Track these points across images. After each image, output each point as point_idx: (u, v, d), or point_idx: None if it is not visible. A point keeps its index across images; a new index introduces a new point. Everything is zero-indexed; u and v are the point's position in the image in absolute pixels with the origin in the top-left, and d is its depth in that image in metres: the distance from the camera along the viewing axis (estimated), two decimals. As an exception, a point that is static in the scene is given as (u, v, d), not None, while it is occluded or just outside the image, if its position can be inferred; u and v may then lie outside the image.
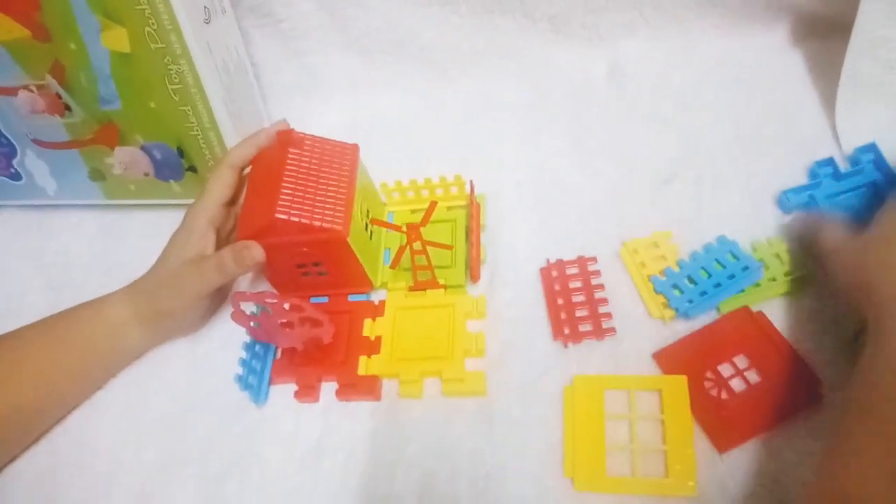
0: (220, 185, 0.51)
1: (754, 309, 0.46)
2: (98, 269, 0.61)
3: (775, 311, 0.46)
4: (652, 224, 0.52)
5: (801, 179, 0.52)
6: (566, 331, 0.48)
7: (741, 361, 0.44)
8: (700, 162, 0.55)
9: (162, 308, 0.50)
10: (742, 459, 0.41)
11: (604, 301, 0.48)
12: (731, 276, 0.46)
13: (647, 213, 0.53)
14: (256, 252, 0.47)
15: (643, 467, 0.41)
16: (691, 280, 0.48)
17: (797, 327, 0.45)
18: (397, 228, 0.47)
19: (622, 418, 0.43)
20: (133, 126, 0.57)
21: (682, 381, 0.43)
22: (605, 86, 0.63)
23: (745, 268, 0.46)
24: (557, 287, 0.50)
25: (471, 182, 0.53)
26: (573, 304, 0.49)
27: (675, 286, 0.48)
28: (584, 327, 0.47)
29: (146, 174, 0.60)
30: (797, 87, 0.59)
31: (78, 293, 0.59)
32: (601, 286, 0.49)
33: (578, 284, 0.50)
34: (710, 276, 0.47)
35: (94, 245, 0.64)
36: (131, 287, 0.52)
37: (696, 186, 0.54)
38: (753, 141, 0.56)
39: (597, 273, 0.50)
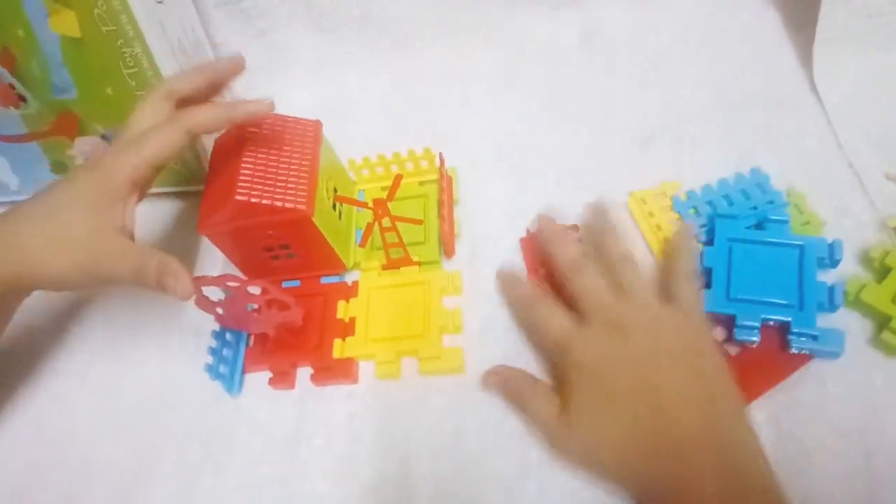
0: (166, 144, 0.41)
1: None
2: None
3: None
4: (631, 186, 0.51)
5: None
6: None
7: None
8: (678, 122, 0.54)
9: (30, 272, 0.40)
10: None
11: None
12: (754, 208, 0.45)
13: (625, 175, 0.52)
14: (183, 287, 0.39)
15: None
16: (712, 206, 0.47)
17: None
18: (363, 205, 0.46)
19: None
20: (91, 114, 0.55)
21: None
22: (579, 50, 0.61)
23: (771, 202, 0.46)
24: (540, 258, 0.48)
25: (440, 155, 0.52)
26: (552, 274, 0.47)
27: (694, 207, 0.47)
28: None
29: (109, 164, 0.58)
30: (775, 42, 0.57)
31: (46, 289, 0.58)
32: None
33: None
34: (731, 204, 0.46)
35: (63, 240, 0.62)
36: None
37: (675, 147, 0.53)
38: (731, 99, 0.54)
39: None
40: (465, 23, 0.62)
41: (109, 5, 0.47)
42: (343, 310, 0.49)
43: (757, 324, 0.41)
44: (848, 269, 0.44)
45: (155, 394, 0.50)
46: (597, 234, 0.45)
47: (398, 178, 0.45)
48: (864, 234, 0.45)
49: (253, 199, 0.43)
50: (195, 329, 0.52)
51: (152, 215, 0.60)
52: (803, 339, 0.40)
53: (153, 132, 0.41)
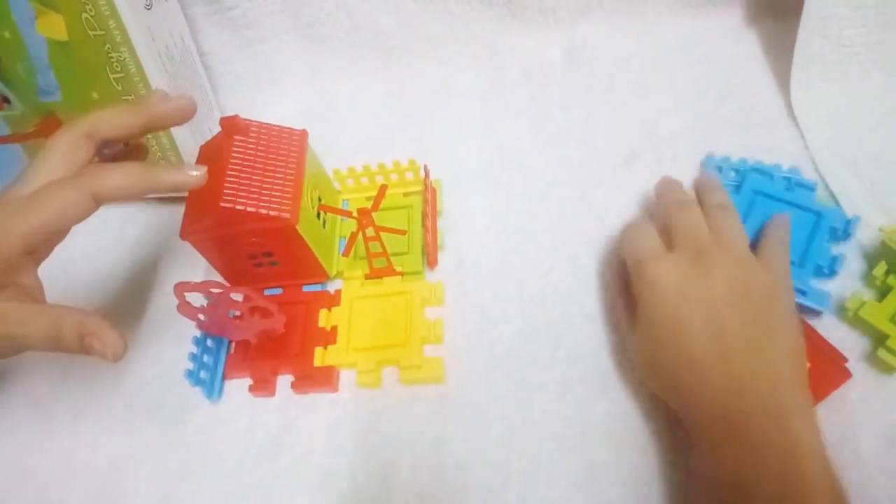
0: (60, 205, 0.34)
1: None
2: (46, 267, 0.58)
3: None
4: (612, 203, 0.52)
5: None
6: None
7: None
8: (659, 142, 0.55)
9: None
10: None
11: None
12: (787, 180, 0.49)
13: (608, 193, 0.53)
14: (114, 348, 0.34)
15: None
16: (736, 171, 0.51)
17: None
18: (347, 214, 0.46)
19: None
20: (76, 118, 0.54)
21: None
22: (563, 69, 0.62)
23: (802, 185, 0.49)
24: None
25: (424, 167, 0.52)
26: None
27: (719, 168, 0.51)
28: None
29: (93, 168, 0.58)
30: (754, 67, 0.59)
31: (24, 293, 0.57)
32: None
33: None
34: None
35: (43, 243, 0.61)
36: None
37: (657, 166, 0.54)
38: (711, 121, 0.56)
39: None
40: (453, 38, 0.63)
41: (98, 10, 0.47)
42: (325, 318, 0.49)
43: None
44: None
45: (133, 398, 0.49)
46: (704, 186, 0.47)
47: (383, 189, 0.45)
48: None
49: (238, 207, 0.43)
50: (176, 334, 0.51)
51: (135, 220, 0.60)
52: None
53: (53, 192, 0.34)
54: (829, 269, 0.44)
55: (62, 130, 0.38)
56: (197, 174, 0.38)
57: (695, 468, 0.38)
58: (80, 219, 0.35)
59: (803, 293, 0.43)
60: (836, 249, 0.46)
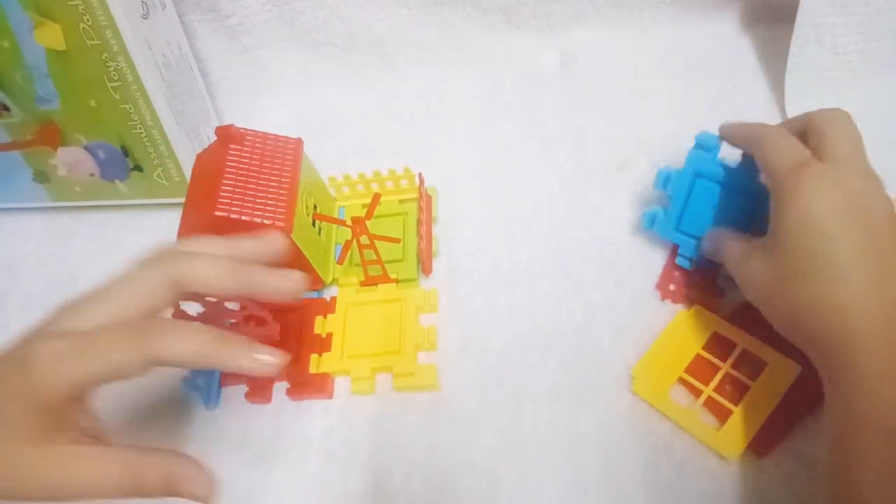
0: (119, 362, 0.30)
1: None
2: (46, 274, 0.60)
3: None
4: (606, 210, 0.52)
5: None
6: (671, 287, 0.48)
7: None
8: (653, 148, 0.55)
9: None
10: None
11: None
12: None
13: (600, 200, 0.53)
14: (205, 490, 0.31)
15: (702, 411, 0.41)
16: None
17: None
18: (341, 223, 0.47)
19: (713, 361, 0.43)
20: (74, 125, 0.55)
21: (793, 367, 0.40)
22: (557, 76, 0.62)
23: None
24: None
25: (419, 174, 0.52)
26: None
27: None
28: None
29: (91, 175, 0.58)
30: (748, 74, 0.59)
31: (25, 299, 0.58)
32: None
33: None
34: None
35: (41, 249, 0.62)
36: None
37: (651, 172, 0.54)
38: (704, 128, 0.55)
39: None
40: (448, 45, 0.64)
41: (95, 19, 0.48)
42: (320, 325, 0.49)
43: (693, 257, 0.46)
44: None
45: (129, 407, 0.50)
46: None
47: (376, 197, 0.45)
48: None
49: (233, 215, 0.43)
50: (172, 342, 0.52)
51: (132, 226, 0.61)
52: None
53: (110, 344, 0.30)
54: None
55: (146, 263, 0.34)
56: (270, 363, 0.33)
57: (854, 409, 0.32)
58: (133, 377, 0.31)
59: None
60: None
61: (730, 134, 0.44)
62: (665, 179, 0.47)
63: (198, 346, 0.32)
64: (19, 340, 0.32)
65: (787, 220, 0.35)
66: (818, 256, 0.34)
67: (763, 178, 0.41)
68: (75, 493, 0.29)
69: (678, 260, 0.47)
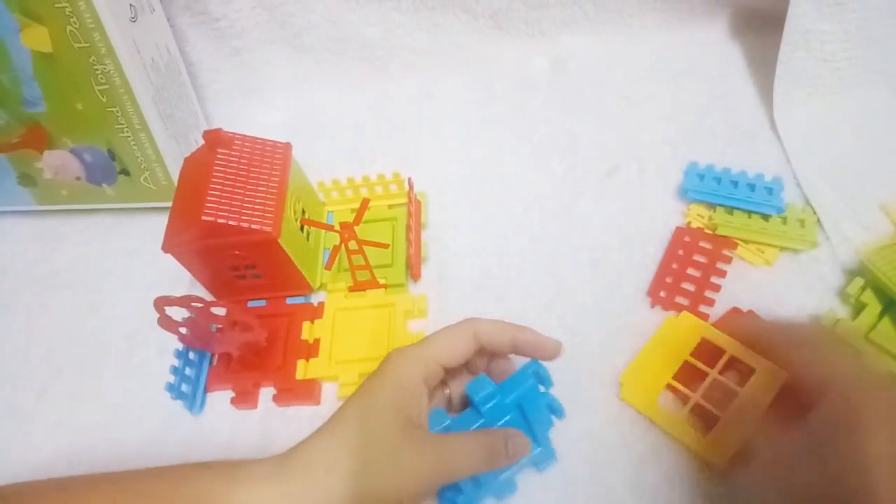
0: (454, 342, 0.39)
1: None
2: (33, 278, 0.59)
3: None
4: (596, 215, 0.52)
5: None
6: (662, 293, 0.47)
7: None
8: (643, 153, 0.56)
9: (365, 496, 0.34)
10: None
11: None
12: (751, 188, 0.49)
13: (590, 205, 0.53)
14: (525, 449, 0.39)
15: (690, 418, 0.41)
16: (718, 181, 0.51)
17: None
18: (330, 228, 0.46)
19: (701, 367, 0.42)
20: (61, 129, 0.55)
21: (781, 374, 0.39)
22: (548, 81, 0.63)
23: (769, 189, 0.49)
24: (681, 252, 0.49)
25: (409, 179, 0.52)
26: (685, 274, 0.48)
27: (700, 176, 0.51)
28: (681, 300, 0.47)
29: (78, 178, 0.58)
30: (736, 80, 0.59)
31: (11, 301, 0.57)
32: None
33: (702, 259, 0.48)
34: (736, 187, 0.50)
35: (29, 253, 0.61)
36: (289, 460, 0.35)
37: (640, 177, 0.54)
38: (694, 134, 0.56)
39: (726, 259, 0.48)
40: (439, 49, 0.64)
41: (82, 22, 0.47)
42: (308, 331, 0.49)
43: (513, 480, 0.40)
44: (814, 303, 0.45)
45: (115, 412, 0.49)
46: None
47: (365, 203, 0.45)
48: (820, 270, 0.47)
49: (220, 220, 0.43)
50: (158, 347, 0.51)
51: (119, 230, 0.60)
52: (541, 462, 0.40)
53: (446, 330, 0.39)
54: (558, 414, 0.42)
55: (460, 326, 0.40)
56: (556, 347, 0.41)
57: None
58: (465, 352, 0.39)
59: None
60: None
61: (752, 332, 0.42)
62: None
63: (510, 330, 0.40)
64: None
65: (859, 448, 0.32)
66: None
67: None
68: (465, 473, 0.37)
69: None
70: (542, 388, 0.42)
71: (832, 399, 0.33)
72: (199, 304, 0.42)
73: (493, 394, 0.40)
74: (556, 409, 0.41)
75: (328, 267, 0.49)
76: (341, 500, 0.33)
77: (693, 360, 0.43)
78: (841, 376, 0.34)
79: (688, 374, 0.42)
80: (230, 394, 0.48)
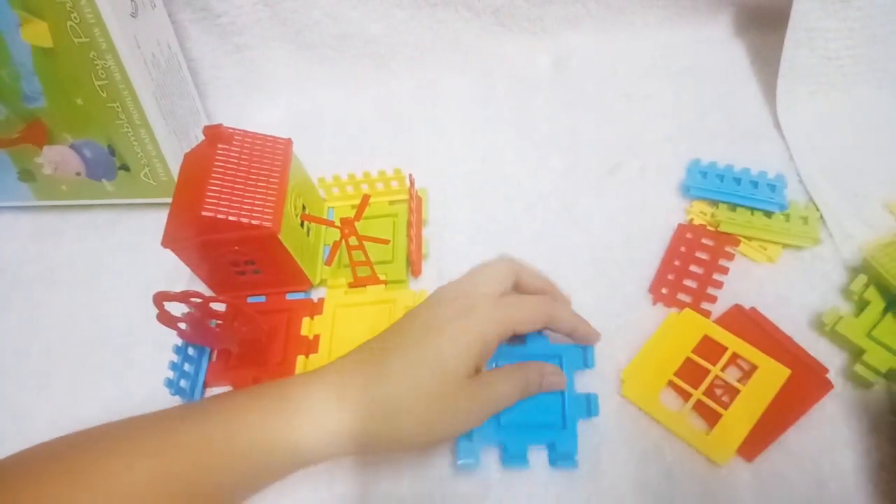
0: (530, 314, 0.40)
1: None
2: (32, 273, 0.59)
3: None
4: (598, 211, 0.52)
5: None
6: (664, 290, 0.47)
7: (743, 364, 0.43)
8: (645, 151, 0.55)
9: (416, 436, 0.37)
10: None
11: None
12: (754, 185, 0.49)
13: (593, 202, 0.53)
14: (560, 382, 0.41)
15: (692, 415, 0.41)
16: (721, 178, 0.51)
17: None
18: (330, 224, 0.46)
19: (703, 364, 0.42)
20: (61, 124, 0.54)
21: (783, 371, 0.40)
22: (550, 78, 0.62)
23: (773, 186, 0.48)
24: (683, 249, 0.49)
25: (410, 176, 0.52)
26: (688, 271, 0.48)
27: (703, 174, 0.51)
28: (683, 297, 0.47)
29: (78, 174, 0.58)
30: (740, 78, 0.59)
31: (10, 296, 0.57)
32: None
33: (704, 256, 0.48)
34: (739, 184, 0.50)
35: (28, 248, 0.61)
36: (354, 391, 0.37)
37: (642, 175, 0.54)
38: (696, 132, 0.56)
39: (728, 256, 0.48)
40: (441, 46, 0.63)
41: (83, 17, 0.47)
42: (307, 327, 0.49)
43: (525, 450, 0.41)
44: (817, 300, 0.45)
45: (114, 407, 0.49)
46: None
47: (365, 199, 0.45)
48: (823, 267, 0.46)
49: (219, 216, 0.43)
50: (157, 343, 0.51)
51: (118, 226, 0.60)
52: (562, 458, 0.40)
53: (526, 300, 0.41)
54: (588, 412, 0.41)
55: (499, 260, 0.42)
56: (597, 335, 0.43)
57: None
58: (536, 326, 0.41)
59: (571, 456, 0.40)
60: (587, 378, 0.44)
61: None
62: None
63: (572, 317, 0.42)
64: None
65: None
66: None
67: None
68: (506, 402, 0.39)
69: (507, 462, 0.41)
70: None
71: None
72: (199, 300, 0.42)
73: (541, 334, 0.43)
74: (588, 360, 0.43)
75: (328, 263, 0.49)
76: (409, 438, 0.37)
77: (695, 357, 0.42)
78: None
79: (690, 371, 0.42)
80: (229, 388, 0.47)
